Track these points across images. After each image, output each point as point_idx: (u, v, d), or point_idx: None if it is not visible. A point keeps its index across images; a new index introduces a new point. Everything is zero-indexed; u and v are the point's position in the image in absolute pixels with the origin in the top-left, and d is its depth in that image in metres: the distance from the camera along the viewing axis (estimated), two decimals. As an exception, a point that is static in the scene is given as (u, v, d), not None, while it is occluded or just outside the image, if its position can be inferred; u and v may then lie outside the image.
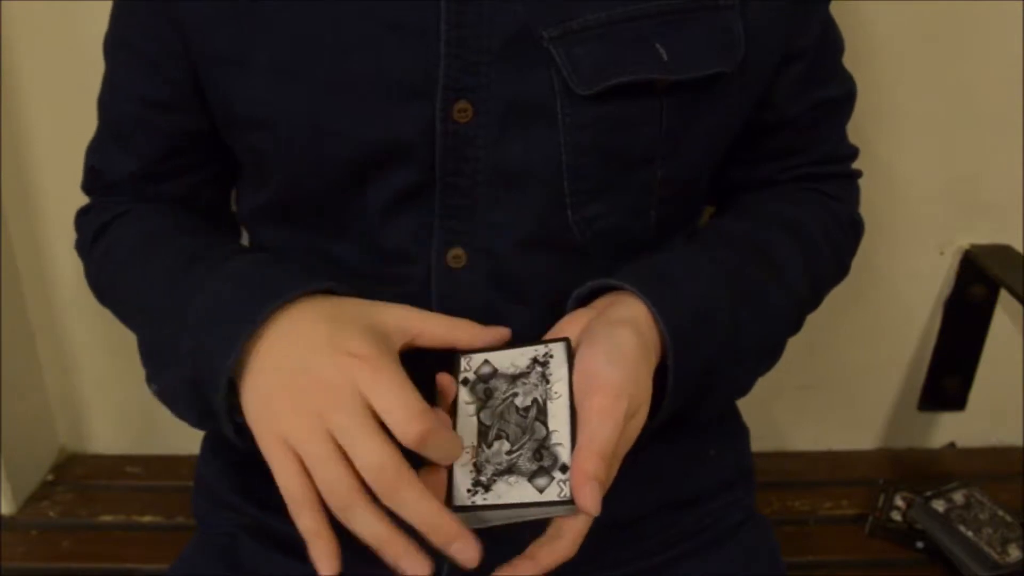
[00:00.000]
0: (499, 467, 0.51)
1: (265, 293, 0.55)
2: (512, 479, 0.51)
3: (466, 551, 0.48)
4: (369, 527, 0.48)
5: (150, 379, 0.62)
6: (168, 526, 1.04)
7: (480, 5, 0.57)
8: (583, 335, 0.56)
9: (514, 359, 0.57)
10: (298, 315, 0.54)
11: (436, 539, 0.48)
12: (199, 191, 0.72)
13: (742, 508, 0.76)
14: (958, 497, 1.01)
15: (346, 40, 0.58)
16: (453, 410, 0.55)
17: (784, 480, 1.12)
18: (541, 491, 0.50)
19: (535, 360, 0.56)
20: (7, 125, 1.01)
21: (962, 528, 0.96)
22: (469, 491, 0.51)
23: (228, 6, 0.59)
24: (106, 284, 0.69)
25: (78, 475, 1.14)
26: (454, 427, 0.54)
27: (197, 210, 0.72)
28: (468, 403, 0.55)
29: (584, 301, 0.61)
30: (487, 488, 0.51)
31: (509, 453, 0.52)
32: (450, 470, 0.52)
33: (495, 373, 0.56)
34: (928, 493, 1.01)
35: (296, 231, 0.66)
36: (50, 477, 1.13)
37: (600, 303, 0.59)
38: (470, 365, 0.57)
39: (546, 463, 0.51)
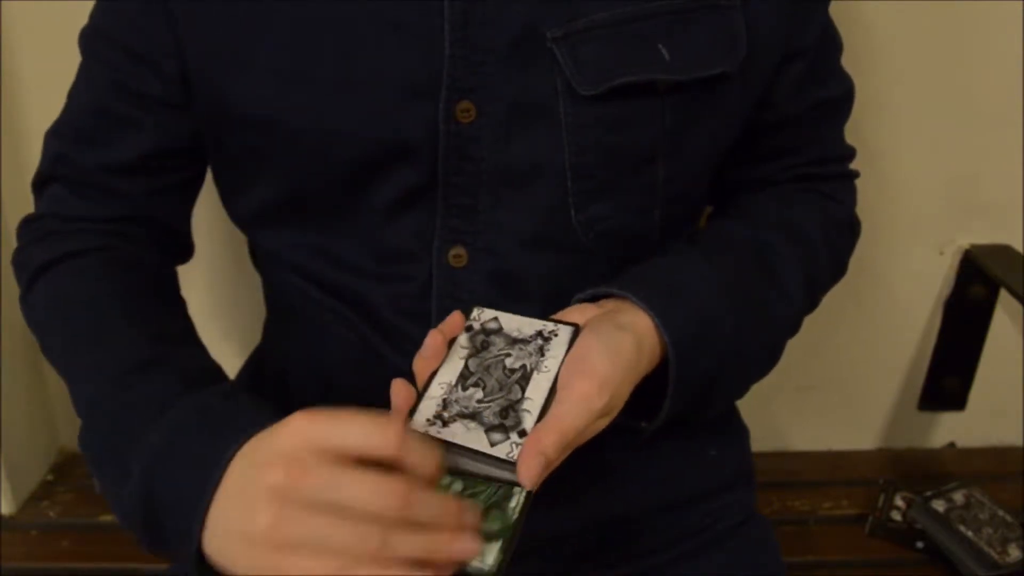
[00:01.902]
0: (464, 410, 0.52)
1: (218, 444, 0.50)
2: (471, 424, 0.51)
3: (467, 542, 0.45)
4: (413, 544, 0.44)
5: (94, 475, 0.58)
6: (168, 526, 1.04)
7: (484, 5, 0.57)
8: (586, 327, 0.56)
9: (521, 325, 0.57)
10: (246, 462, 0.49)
11: (449, 522, 0.45)
12: (165, 196, 0.70)
13: (742, 508, 0.76)
14: (958, 497, 1.01)
15: (349, 40, 0.58)
16: (447, 347, 0.56)
17: (784, 480, 1.12)
18: (492, 445, 0.50)
19: (540, 333, 0.57)
20: (7, 125, 1.01)
21: (962, 528, 0.97)
22: (428, 420, 0.52)
23: (227, 4, 0.59)
24: (44, 341, 0.64)
25: (78, 475, 1.14)
26: (442, 363, 0.55)
27: (156, 222, 0.69)
28: (463, 347, 0.56)
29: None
30: (445, 424, 0.51)
31: (479, 402, 0.53)
32: (419, 397, 0.53)
33: (499, 331, 0.57)
34: (928, 493, 1.01)
35: (297, 231, 0.66)
36: (50, 477, 1.13)
37: (606, 304, 0.59)
38: (480, 317, 0.58)
39: (508, 423, 0.51)
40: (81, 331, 0.62)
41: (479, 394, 0.53)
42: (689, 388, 0.58)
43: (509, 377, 0.54)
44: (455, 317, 0.57)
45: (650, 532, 0.72)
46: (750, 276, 0.64)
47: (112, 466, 0.55)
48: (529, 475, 0.48)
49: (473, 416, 0.52)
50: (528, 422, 0.51)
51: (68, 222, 0.68)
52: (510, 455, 0.49)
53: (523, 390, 0.53)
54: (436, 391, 0.53)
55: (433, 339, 0.55)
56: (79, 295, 0.64)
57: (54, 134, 0.70)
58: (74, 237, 0.67)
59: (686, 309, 0.58)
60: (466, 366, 0.55)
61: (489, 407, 0.52)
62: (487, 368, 0.55)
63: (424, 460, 0.46)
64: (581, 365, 0.52)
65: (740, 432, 0.81)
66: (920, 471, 1.16)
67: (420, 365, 0.55)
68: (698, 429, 0.71)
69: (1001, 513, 0.99)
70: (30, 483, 1.11)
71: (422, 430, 0.51)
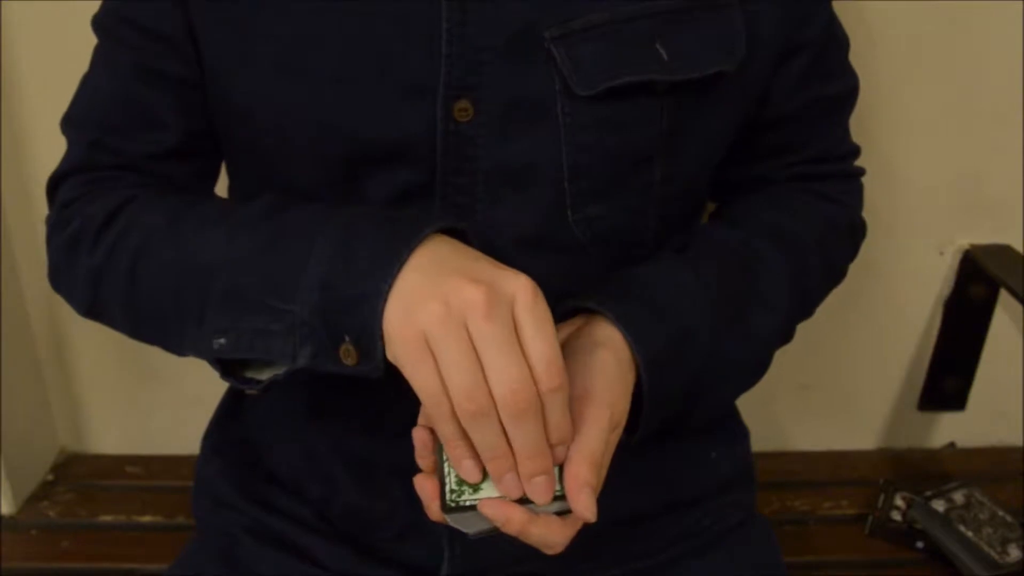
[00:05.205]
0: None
1: (407, 224, 0.52)
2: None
3: (543, 485, 0.49)
4: (491, 439, 0.48)
5: (217, 333, 0.55)
6: (168, 526, 1.04)
7: (482, 4, 0.57)
8: (566, 349, 0.56)
9: None
10: (446, 245, 0.52)
11: (531, 467, 0.49)
12: (202, 178, 0.70)
13: (742, 508, 0.76)
14: (958, 497, 1.01)
15: (347, 38, 0.57)
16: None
17: (784, 480, 1.12)
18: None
19: None
20: (7, 125, 1.02)
21: (962, 528, 0.97)
22: (457, 501, 0.51)
23: (230, 2, 0.59)
24: (129, 261, 0.61)
25: (78, 475, 1.14)
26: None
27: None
28: None
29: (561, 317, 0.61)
30: (475, 488, 0.51)
31: None
32: (441, 484, 0.51)
33: None
34: (928, 493, 1.01)
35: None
36: (50, 477, 1.13)
37: (577, 320, 0.59)
38: None
39: None
40: (183, 229, 0.59)
41: None
42: (666, 403, 0.59)
43: None
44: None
45: (650, 532, 0.72)
46: (733, 287, 0.64)
47: (270, 300, 0.53)
48: (586, 508, 0.50)
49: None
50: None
51: (120, 190, 0.65)
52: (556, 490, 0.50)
53: None
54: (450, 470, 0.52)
55: (419, 435, 0.53)
56: (156, 212, 0.61)
57: (77, 126, 0.67)
58: (126, 192, 0.64)
59: (661, 326, 0.58)
60: None
61: None
62: None
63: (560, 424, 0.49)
64: (574, 391, 0.52)
65: (740, 433, 0.80)
66: (920, 471, 1.16)
67: (425, 463, 0.54)
68: (698, 431, 0.71)
69: (1001, 513, 0.99)
70: (30, 483, 1.11)
71: (460, 503, 0.51)
